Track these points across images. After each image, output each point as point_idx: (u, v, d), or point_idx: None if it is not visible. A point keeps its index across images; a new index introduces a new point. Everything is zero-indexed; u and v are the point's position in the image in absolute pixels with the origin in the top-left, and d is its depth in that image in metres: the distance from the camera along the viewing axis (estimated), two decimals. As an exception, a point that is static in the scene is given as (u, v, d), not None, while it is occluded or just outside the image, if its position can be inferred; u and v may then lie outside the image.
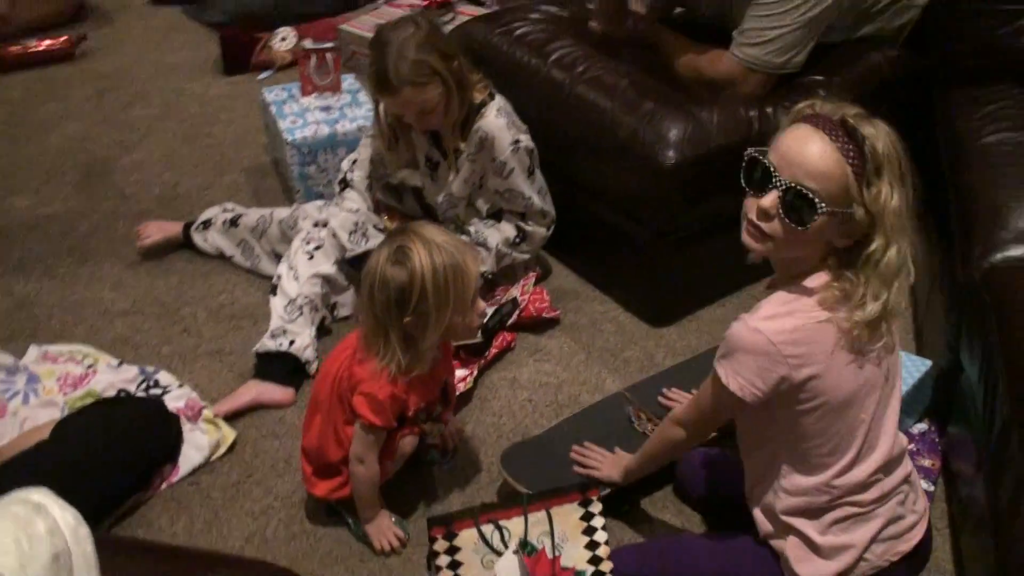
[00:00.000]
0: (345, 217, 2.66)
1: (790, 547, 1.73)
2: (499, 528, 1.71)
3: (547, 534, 1.73)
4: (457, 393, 2.34)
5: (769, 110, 2.58)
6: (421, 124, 2.54)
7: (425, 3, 4.03)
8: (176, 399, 2.44)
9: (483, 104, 2.55)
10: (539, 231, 2.69)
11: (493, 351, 2.56)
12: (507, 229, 2.66)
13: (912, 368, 2.26)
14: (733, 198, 2.58)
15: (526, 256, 2.73)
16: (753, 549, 1.80)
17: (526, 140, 2.59)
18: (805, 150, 1.53)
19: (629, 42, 2.92)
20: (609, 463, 2.04)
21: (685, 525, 2.15)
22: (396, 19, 2.54)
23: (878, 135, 1.52)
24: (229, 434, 2.39)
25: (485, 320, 2.51)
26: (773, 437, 1.71)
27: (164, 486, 2.28)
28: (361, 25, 3.96)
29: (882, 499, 1.71)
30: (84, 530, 1.22)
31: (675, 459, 1.92)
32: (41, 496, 1.18)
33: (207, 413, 2.40)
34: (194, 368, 2.60)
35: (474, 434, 2.40)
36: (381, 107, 2.61)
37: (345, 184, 2.76)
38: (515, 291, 2.67)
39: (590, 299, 2.81)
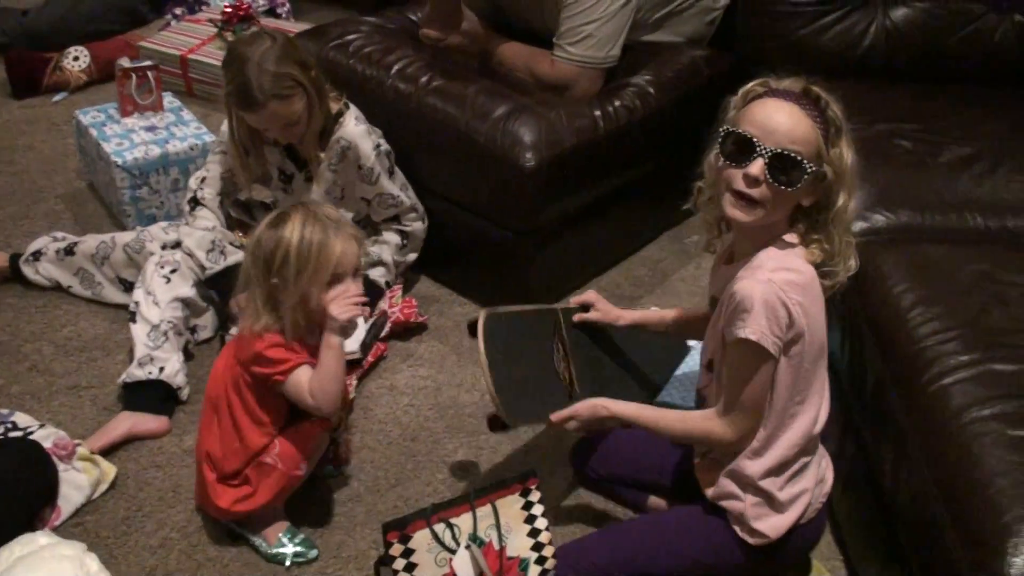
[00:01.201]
0: (201, 236, 2.61)
1: (749, 507, 1.82)
2: (450, 526, 1.76)
3: (493, 527, 1.79)
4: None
5: (610, 109, 2.74)
6: (285, 137, 2.53)
7: (224, 17, 3.95)
8: (41, 440, 2.30)
9: (340, 113, 2.58)
10: (417, 226, 2.73)
11: (369, 360, 2.58)
12: (391, 238, 2.71)
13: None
14: (586, 195, 2.78)
15: (414, 256, 2.77)
16: (700, 517, 1.89)
17: (384, 143, 2.64)
18: (781, 119, 1.66)
19: (461, 50, 3.00)
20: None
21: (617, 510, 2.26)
22: (247, 35, 2.53)
23: (831, 101, 1.68)
24: (109, 470, 2.29)
25: (364, 335, 2.54)
26: None
27: (47, 530, 2.16)
28: (162, 41, 3.84)
29: (817, 444, 1.87)
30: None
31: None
32: (51, 536, 1.13)
33: (82, 451, 2.28)
34: (51, 406, 2.47)
35: (363, 443, 2.42)
36: (234, 123, 2.58)
37: (196, 202, 2.70)
38: (383, 304, 2.69)
39: (450, 302, 2.88)
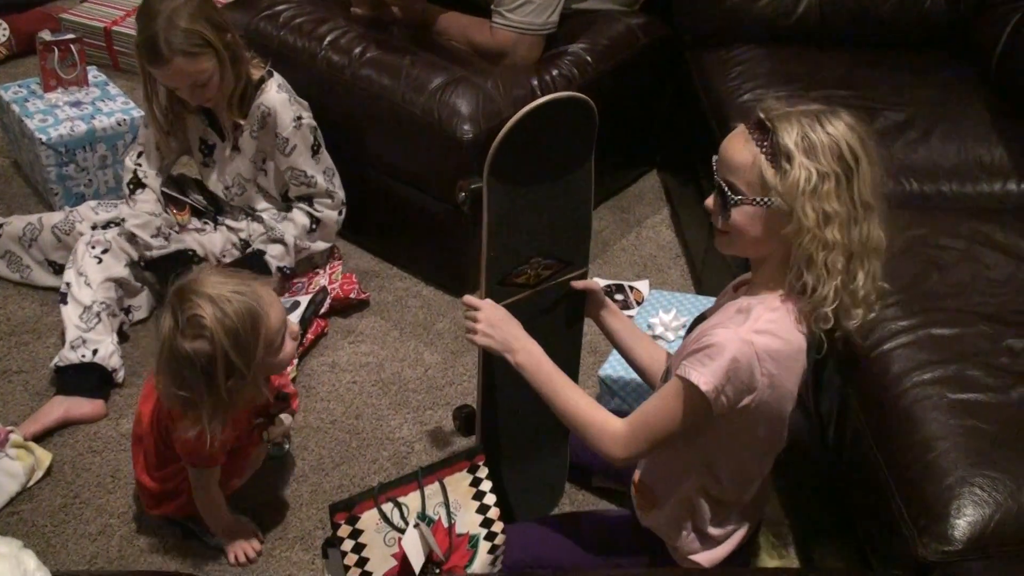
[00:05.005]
0: (148, 219, 2.54)
1: (685, 543, 1.81)
2: (398, 505, 1.74)
3: (442, 504, 1.78)
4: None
5: (547, 78, 2.72)
6: (195, 99, 2.47)
7: (149, -12, 3.83)
8: (-28, 428, 2.25)
9: (262, 80, 2.52)
10: (330, 215, 2.64)
11: (309, 338, 2.54)
12: (299, 218, 2.62)
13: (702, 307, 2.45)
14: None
15: (324, 246, 2.70)
16: (641, 532, 1.87)
17: (308, 117, 2.58)
18: (729, 147, 1.60)
19: (396, 21, 2.95)
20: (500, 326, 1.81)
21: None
22: None
23: (791, 128, 1.52)
24: (44, 456, 2.24)
25: (303, 311, 2.50)
26: (704, 453, 1.72)
27: (-19, 525, 2.11)
28: (84, 13, 3.72)
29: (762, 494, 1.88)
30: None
31: (581, 439, 1.74)
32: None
33: (15, 438, 2.22)
34: (-19, 393, 2.40)
35: (306, 422, 2.39)
36: (151, 87, 2.51)
37: (138, 183, 2.61)
38: (323, 279, 2.66)
39: (390, 277, 2.85)
